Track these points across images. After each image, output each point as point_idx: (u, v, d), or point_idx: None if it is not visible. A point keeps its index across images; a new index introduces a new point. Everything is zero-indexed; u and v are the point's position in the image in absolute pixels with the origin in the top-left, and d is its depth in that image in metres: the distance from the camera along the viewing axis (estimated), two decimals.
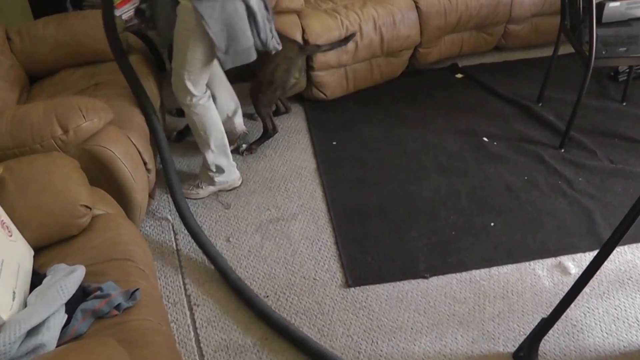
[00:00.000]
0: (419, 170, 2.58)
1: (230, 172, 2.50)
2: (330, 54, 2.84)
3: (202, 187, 2.51)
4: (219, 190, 2.53)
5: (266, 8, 2.23)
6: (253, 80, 2.58)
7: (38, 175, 1.69)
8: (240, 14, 2.09)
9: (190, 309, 2.02)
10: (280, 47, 2.32)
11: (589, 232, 2.22)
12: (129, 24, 2.89)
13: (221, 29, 2.08)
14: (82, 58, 2.51)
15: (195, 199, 2.50)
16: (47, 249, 1.67)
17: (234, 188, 2.55)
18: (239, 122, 2.71)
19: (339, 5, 3.00)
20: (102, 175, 1.97)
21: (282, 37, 2.39)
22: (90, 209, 1.72)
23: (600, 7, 2.47)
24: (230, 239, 2.30)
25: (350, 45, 2.86)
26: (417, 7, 3.04)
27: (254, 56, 2.21)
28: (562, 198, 2.39)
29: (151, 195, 2.31)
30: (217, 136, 2.40)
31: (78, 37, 2.48)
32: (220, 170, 2.47)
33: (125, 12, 2.90)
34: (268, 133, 2.72)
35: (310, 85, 2.96)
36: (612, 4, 2.47)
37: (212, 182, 2.49)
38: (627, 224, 1.43)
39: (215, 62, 2.26)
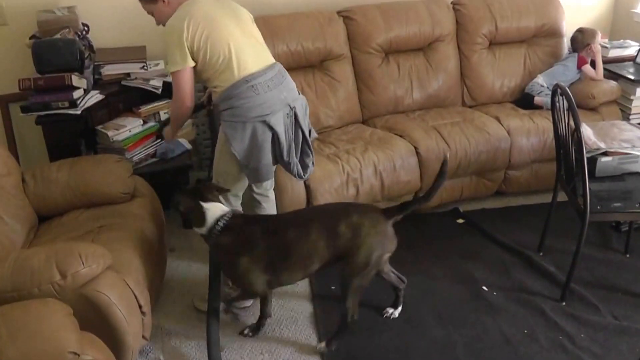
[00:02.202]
0: (416, 319, 2.54)
1: None
2: (330, 199, 2.91)
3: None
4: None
5: (303, 135, 2.47)
6: (344, 264, 2.28)
7: (30, 321, 1.73)
8: (260, 135, 2.33)
9: None
10: (304, 177, 2.53)
11: None
12: (139, 165, 3.02)
13: (243, 147, 2.34)
14: (90, 200, 2.62)
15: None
16: None
17: (245, 307, 2.65)
18: None
19: (341, 150, 3.12)
20: (96, 318, 2.01)
21: (366, 209, 2.31)
22: (79, 355, 1.74)
23: (593, 161, 2.53)
24: None
25: (352, 190, 2.95)
26: (417, 153, 3.15)
27: (271, 174, 2.46)
28: (563, 354, 2.31)
29: (145, 337, 2.31)
30: None
31: (87, 181, 2.61)
32: None
33: (136, 154, 3.04)
34: (348, 325, 2.34)
35: None
36: (604, 159, 2.54)
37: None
38: None
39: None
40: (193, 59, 2.32)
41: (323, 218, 2.27)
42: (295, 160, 2.46)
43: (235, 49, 2.33)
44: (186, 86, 2.37)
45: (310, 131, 2.57)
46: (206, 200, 2.29)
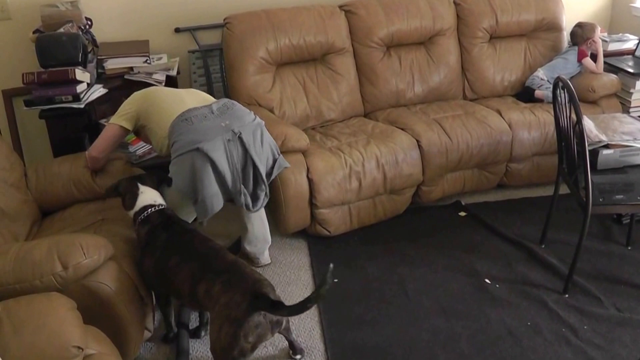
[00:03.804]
0: (419, 311, 2.54)
1: None
2: (333, 192, 2.92)
3: None
4: None
5: (254, 164, 2.39)
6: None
7: (34, 316, 1.73)
8: (197, 164, 2.29)
9: None
10: (252, 209, 2.47)
11: None
12: (142, 159, 3.03)
13: (187, 183, 2.31)
14: (92, 194, 2.64)
15: None
16: None
17: None
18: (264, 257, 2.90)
19: (343, 143, 3.13)
20: (98, 310, 2.02)
21: (235, 285, 1.94)
22: (82, 349, 1.74)
23: (594, 154, 2.53)
24: None
25: (354, 183, 2.96)
26: (419, 146, 3.15)
27: (219, 204, 2.38)
28: (566, 347, 2.31)
29: (147, 328, 2.33)
30: None
31: (89, 174, 2.63)
32: None
33: (139, 148, 3.05)
34: None
35: (314, 222, 3.02)
36: (605, 152, 2.53)
37: None
38: None
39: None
40: (136, 123, 2.51)
41: (200, 266, 2.06)
42: (243, 189, 2.38)
43: (177, 99, 2.46)
44: (103, 140, 2.53)
45: (275, 162, 2.49)
46: (144, 183, 2.31)
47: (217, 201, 2.36)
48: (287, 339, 2.29)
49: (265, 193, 2.48)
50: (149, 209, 2.25)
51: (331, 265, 1.85)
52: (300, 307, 1.87)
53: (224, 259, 2.08)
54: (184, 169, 2.29)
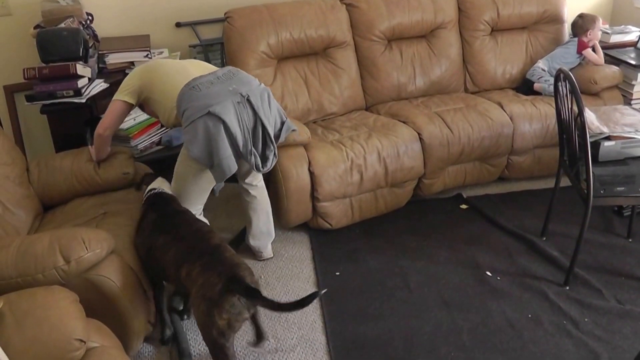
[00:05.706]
0: (421, 303, 2.55)
1: None
2: (335, 185, 2.93)
3: None
4: None
5: (263, 125, 2.42)
6: None
7: (36, 309, 1.74)
8: (211, 128, 2.31)
9: None
10: (262, 169, 2.50)
11: None
12: (144, 153, 3.04)
13: (203, 149, 2.33)
14: (93, 187, 2.65)
15: None
16: None
17: None
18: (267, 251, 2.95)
19: (345, 137, 3.13)
20: (101, 303, 2.03)
21: (213, 268, 1.97)
22: (85, 342, 1.75)
23: (596, 145, 2.52)
24: None
25: (356, 176, 2.96)
26: (421, 139, 3.16)
27: (234, 166, 2.40)
28: (567, 339, 2.32)
29: (150, 322, 2.33)
30: None
31: (90, 168, 2.64)
32: None
33: (141, 142, 3.06)
34: None
35: (316, 215, 3.02)
36: (607, 143, 2.53)
37: None
38: None
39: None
40: (139, 97, 2.51)
41: (184, 249, 2.10)
42: (254, 150, 2.43)
43: (179, 69, 2.49)
44: (108, 116, 2.52)
45: (282, 124, 2.53)
46: (164, 177, 2.54)
47: (232, 163, 2.39)
48: (253, 322, 2.20)
49: (274, 154, 2.51)
50: (152, 191, 2.41)
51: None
52: (273, 305, 1.95)
53: (207, 242, 2.11)
54: (197, 134, 2.31)
